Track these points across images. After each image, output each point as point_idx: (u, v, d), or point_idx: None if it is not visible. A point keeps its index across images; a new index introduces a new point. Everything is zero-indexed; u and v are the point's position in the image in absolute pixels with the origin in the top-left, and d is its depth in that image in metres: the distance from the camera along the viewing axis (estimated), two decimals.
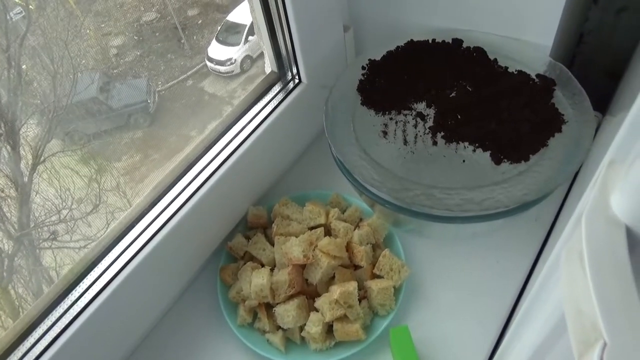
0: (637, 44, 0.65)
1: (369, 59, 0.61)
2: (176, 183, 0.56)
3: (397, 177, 0.50)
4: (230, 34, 2.38)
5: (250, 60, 2.26)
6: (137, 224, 0.52)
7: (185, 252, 0.56)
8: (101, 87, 2.01)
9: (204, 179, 0.56)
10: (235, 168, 0.57)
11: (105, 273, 0.49)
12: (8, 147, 1.25)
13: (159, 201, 0.54)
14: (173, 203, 0.54)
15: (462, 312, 0.53)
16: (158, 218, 0.53)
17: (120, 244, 0.51)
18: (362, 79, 0.59)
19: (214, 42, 2.42)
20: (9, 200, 1.28)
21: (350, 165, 0.51)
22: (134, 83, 2.18)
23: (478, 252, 0.56)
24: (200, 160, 0.57)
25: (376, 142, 0.54)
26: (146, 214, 0.53)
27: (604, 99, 0.68)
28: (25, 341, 0.45)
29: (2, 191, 1.25)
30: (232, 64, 2.25)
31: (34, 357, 0.44)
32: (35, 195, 1.33)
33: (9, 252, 1.25)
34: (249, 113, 0.61)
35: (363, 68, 0.60)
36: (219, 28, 2.48)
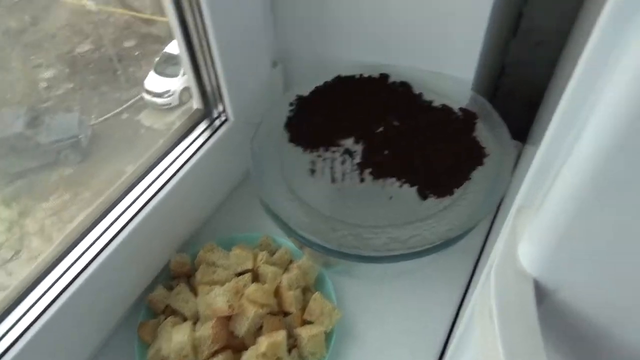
0: (552, 75, 0.69)
1: (297, 95, 0.60)
2: (93, 228, 0.51)
3: (324, 217, 0.48)
4: (169, 65, 2.34)
5: (189, 92, 2.20)
6: (52, 270, 0.47)
7: (101, 306, 0.50)
8: (28, 122, 1.89)
9: (123, 223, 0.51)
10: (157, 211, 0.53)
11: (12, 330, 0.43)
12: None
13: (73, 249, 0.49)
14: (88, 251, 0.49)
15: (395, 352, 0.51)
16: (72, 267, 0.48)
17: (30, 296, 0.45)
18: (290, 115, 0.58)
19: (151, 73, 2.37)
20: None
21: (276, 207, 0.49)
22: (65, 117, 2.08)
23: (408, 289, 0.55)
24: (120, 203, 0.53)
25: (304, 181, 0.52)
26: (58, 263, 0.48)
27: (525, 128, 0.70)
28: None
29: None
30: (170, 96, 2.20)
31: None
32: None
33: None
34: (173, 152, 0.58)
35: (291, 104, 0.59)
36: (156, 59, 2.42)
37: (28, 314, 0.45)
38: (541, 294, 0.21)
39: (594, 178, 0.19)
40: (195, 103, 0.62)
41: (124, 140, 1.99)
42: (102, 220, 0.52)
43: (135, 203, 0.53)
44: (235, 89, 0.59)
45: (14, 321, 0.44)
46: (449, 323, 0.53)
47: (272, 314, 0.50)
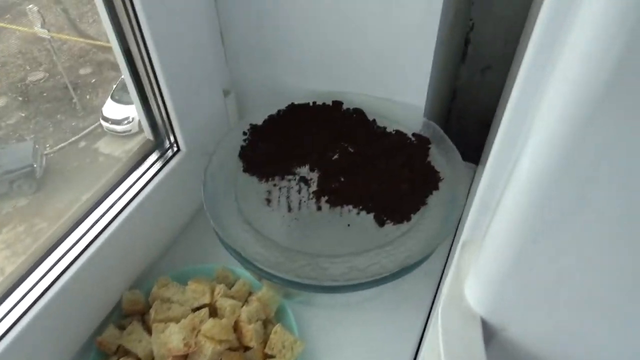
0: (500, 98, 0.71)
1: (250, 124, 0.60)
2: (40, 264, 0.48)
3: (281, 248, 0.48)
4: (127, 92, 2.28)
5: None
6: None
7: (46, 350, 0.47)
8: None
9: (71, 259, 0.49)
10: (108, 244, 0.51)
11: None
12: None
13: (17, 287, 0.46)
14: (32, 291, 0.46)
15: None
16: (15, 308, 0.45)
17: None
18: (244, 144, 0.57)
19: (109, 101, 2.32)
20: None
21: (231, 239, 0.48)
22: (18, 147, 2.00)
23: (371, 316, 0.55)
24: (69, 237, 0.51)
25: (260, 211, 0.51)
26: (3, 300, 0.45)
27: (479, 149, 0.72)
28: None
29: None
30: (129, 122, 2.16)
31: None
32: None
33: None
34: (124, 183, 0.56)
35: (244, 133, 0.59)
36: (114, 86, 2.38)
37: None
38: (489, 332, 0.21)
39: (533, 206, 0.18)
40: (146, 134, 0.61)
41: (81, 169, 1.93)
42: (49, 255, 0.49)
43: (85, 236, 0.51)
44: (186, 119, 0.58)
45: None
46: (415, 346, 0.52)
47: (231, 349, 0.48)
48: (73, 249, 0.50)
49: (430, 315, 0.55)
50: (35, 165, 1.85)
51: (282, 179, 0.54)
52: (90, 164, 1.98)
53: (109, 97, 2.21)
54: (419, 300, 0.56)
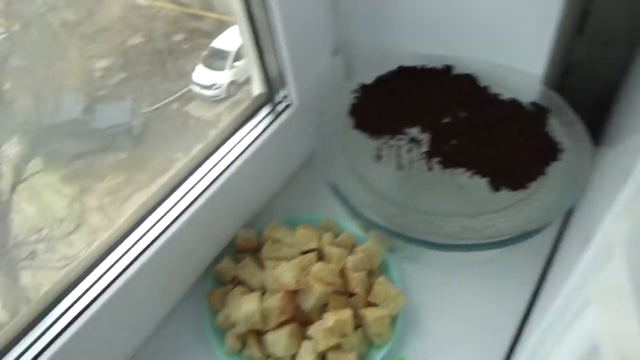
0: (623, 76, 0.67)
1: (360, 83, 0.61)
2: (160, 204, 0.53)
3: (393, 202, 0.49)
4: (216, 59, 2.40)
5: (235, 86, 2.27)
6: (119, 244, 0.50)
7: (171, 275, 0.53)
8: (85, 108, 1.98)
9: (190, 201, 0.54)
10: (223, 191, 0.55)
11: (85, 295, 0.46)
12: None
13: (142, 222, 0.52)
14: (157, 224, 0.52)
15: (462, 343, 0.51)
16: (142, 239, 0.51)
17: (101, 265, 0.48)
18: (354, 102, 0.59)
19: (199, 66, 2.43)
20: None
21: (345, 189, 0.50)
22: (119, 105, 2.17)
23: (477, 281, 0.55)
24: (186, 182, 0.55)
25: (370, 166, 0.53)
26: (129, 235, 0.51)
27: (593, 129, 0.69)
28: None
29: None
30: (217, 88, 2.26)
31: None
32: (16, 215, 1.31)
33: None
34: (236, 135, 0.60)
35: (354, 92, 0.60)
36: (204, 53, 2.49)
37: (104, 277, 0.48)
38: None
39: None
40: (258, 88, 0.64)
41: (174, 129, 2.06)
42: (170, 196, 0.54)
43: (202, 181, 0.56)
44: (300, 74, 0.60)
45: (96, 278, 0.47)
46: (520, 318, 0.52)
47: (337, 293, 0.51)
48: (193, 190, 0.55)
49: (539, 290, 0.54)
50: (133, 123, 2.00)
51: (392, 137, 0.55)
52: (181, 125, 2.11)
53: (200, 63, 2.32)
54: (528, 272, 0.55)
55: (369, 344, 0.50)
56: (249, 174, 0.59)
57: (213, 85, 2.17)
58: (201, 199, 0.54)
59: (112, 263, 0.49)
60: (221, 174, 0.56)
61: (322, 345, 0.47)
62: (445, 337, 0.52)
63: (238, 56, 2.33)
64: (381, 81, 0.61)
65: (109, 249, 0.49)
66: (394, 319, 0.51)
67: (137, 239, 0.50)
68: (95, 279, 0.47)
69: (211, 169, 0.57)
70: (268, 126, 0.61)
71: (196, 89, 2.21)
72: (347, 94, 0.60)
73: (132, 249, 0.50)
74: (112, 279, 0.47)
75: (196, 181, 0.55)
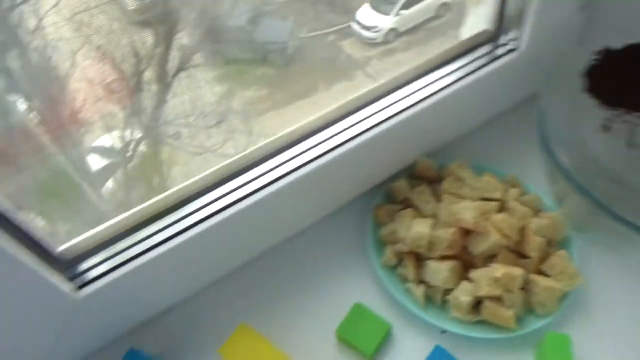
0: None
1: (604, 46, 0.54)
2: (351, 114, 0.54)
3: (614, 176, 0.44)
4: (384, 2, 2.35)
5: (395, 34, 2.21)
6: (300, 143, 0.51)
7: (347, 177, 0.54)
8: (251, 19, 2.08)
9: (384, 117, 0.53)
10: (417, 116, 0.54)
11: (266, 174, 0.49)
12: (163, 46, 1.35)
13: (328, 127, 0.53)
14: (343, 132, 0.52)
15: (629, 339, 0.47)
16: (324, 142, 0.52)
17: (287, 151, 0.51)
18: (594, 64, 0.53)
19: (365, 6, 2.41)
20: (150, 94, 1.40)
21: (560, 148, 0.46)
22: (281, 24, 2.23)
23: None
24: (387, 98, 0.55)
25: (593, 135, 0.48)
26: (313, 134, 0.52)
27: None
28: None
29: (149, 84, 1.37)
30: (377, 31, 2.22)
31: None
32: (172, 97, 1.44)
33: (137, 137, 1.37)
34: (448, 66, 0.57)
35: (596, 54, 0.54)
36: None
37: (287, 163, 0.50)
38: None
39: None
40: (485, 24, 0.60)
41: (324, 60, 2.09)
42: (370, 105, 0.54)
43: (400, 102, 0.54)
44: (540, 20, 0.55)
45: (281, 161, 0.50)
46: None
47: (508, 249, 0.49)
48: (392, 106, 0.54)
49: None
50: (289, 44, 2.06)
51: (629, 112, 0.49)
52: (332, 58, 2.13)
53: (368, 2, 2.29)
54: None
55: (529, 310, 0.47)
56: (448, 108, 0.56)
57: (374, 27, 2.14)
58: (394, 119, 0.53)
59: (298, 153, 0.50)
60: (422, 100, 0.54)
61: (484, 291, 0.46)
62: (613, 329, 0.47)
63: (407, 4, 2.27)
64: (631, 49, 0.53)
65: (300, 138, 0.51)
66: (563, 296, 0.47)
67: (320, 140, 0.52)
68: (280, 162, 0.50)
69: (414, 92, 0.55)
70: (483, 65, 0.57)
71: (356, 27, 2.20)
72: (586, 54, 0.54)
73: (314, 148, 0.51)
74: (294, 167, 0.49)
75: (395, 100, 0.55)
